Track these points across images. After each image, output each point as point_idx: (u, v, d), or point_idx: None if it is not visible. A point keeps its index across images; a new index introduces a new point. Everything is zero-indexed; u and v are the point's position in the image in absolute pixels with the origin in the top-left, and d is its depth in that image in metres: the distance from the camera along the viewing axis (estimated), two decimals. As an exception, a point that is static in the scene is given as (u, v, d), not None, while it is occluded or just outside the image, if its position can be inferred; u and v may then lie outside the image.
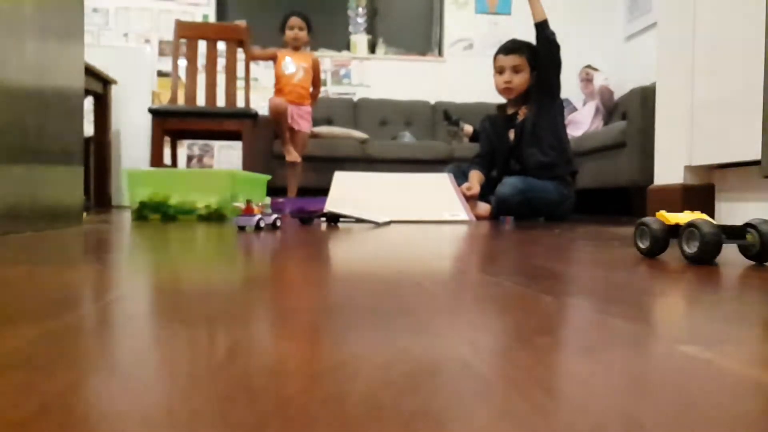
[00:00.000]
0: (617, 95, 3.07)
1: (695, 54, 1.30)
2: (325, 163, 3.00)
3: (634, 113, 2.38)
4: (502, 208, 1.95)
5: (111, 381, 0.20)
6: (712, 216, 1.31)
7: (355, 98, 3.77)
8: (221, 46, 2.45)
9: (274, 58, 2.70)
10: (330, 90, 3.86)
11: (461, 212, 1.75)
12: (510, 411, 0.17)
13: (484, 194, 2.05)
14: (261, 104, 2.94)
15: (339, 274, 0.49)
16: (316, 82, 2.77)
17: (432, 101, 3.74)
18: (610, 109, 3.10)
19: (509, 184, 1.95)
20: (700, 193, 1.31)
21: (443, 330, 0.28)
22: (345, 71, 3.95)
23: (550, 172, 2.02)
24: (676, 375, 0.21)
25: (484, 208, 2.00)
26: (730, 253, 0.74)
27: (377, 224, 1.41)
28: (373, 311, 0.33)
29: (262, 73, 3.62)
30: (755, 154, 1.01)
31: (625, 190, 2.52)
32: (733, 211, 1.26)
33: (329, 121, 3.50)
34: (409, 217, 1.63)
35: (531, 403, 0.18)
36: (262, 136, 2.87)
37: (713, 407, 0.18)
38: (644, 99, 2.30)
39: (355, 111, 3.67)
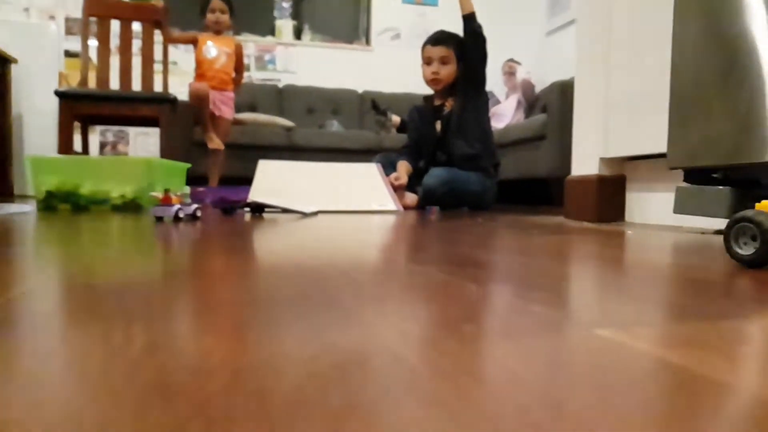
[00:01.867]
0: (538, 89, 3.17)
1: (611, 51, 1.36)
2: (249, 151, 2.93)
3: (553, 107, 2.48)
4: (428, 198, 1.98)
5: (9, 386, 0.18)
6: (622, 206, 1.39)
7: (281, 85, 3.70)
8: (136, 26, 2.32)
9: (194, 42, 2.59)
10: (254, 76, 3.76)
11: (389, 202, 1.76)
12: (438, 400, 0.17)
13: (412, 184, 2.07)
14: (180, 89, 2.82)
15: (264, 266, 0.48)
16: (239, 67, 2.69)
17: (360, 90, 3.73)
18: (532, 102, 3.20)
19: (435, 175, 1.98)
20: (613, 183, 1.38)
21: (371, 320, 0.28)
22: (269, 57, 3.86)
23: (475, 164, 2.07)
24: (593, 357, 0.22)
25: (411, 198, 2.03)
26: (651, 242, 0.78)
27: (304, 214, 1.39)
28: (300, 303, 0.32)
29: (182, 56, 3.48)
30: (663, 147, 1.08)
31: (545, 181, 2.62)
32: (641, 201, 1.34)
33: (253, 108, 3.41)
34: (336, 207, 1.62)
35: (458, 390, 0.18)
36: (182, 123, 2.76)
37: (627, 387, 0.19)
38: (563, 93, 2.39)
39: (280, 98, 3.60)
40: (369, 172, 1.97)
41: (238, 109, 2.91)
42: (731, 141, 0.92)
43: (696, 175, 1.06)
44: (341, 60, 3.95)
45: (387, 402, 0.17)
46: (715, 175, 1.04)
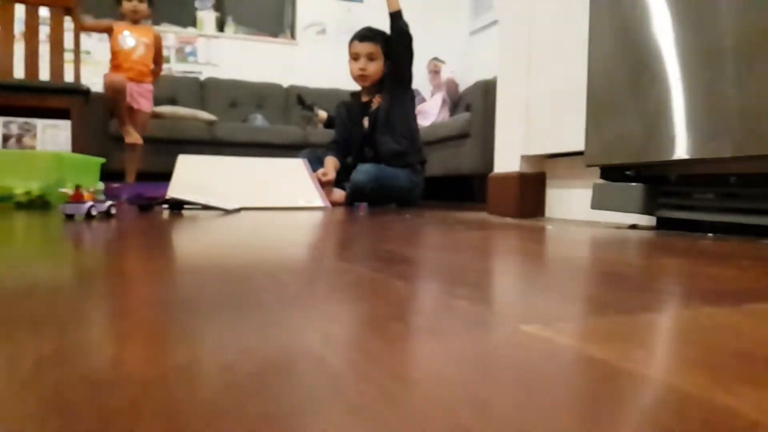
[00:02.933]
0: (462, 87, 3.24)
1: (532, 51, 1.41)
2: (169, 146, 2.81)
3: (477, 105, 2.54)
4: (356, 195, 1.98)
5: None
6: (542, 202, 1.44)
7: (202, 77, 3.57)
8: (44, 12, 2.17)
9: (109, 31, 2.45)
10: (174, 68, 3.62)
11: (316, 199, 1.74)
12: (362, 405, 0.17)
13: (340, 181, 2.05)
14: (94, 80, 2.67)
15: (182, 266, 0.45)
16: (158, 59, 2.58)
17: (285, 84, 3.67)
18: (456, 100, 3.27)
19: (363, 171, 1.97)
20: (534, 180, 1.43)
21: (295, 323, 0.27)
22: (191, 49, 3.72)
23: (402, 160, 2.08)
24: (520, 354, 0.22)
25: (339, 194, 2.01)
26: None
27: (226, 211, 1.35)
28: (219, 307, 0.30)
29: (96, 46, 3.29)
30: (581, 145, 1.12)
31: (469, 178, 2.68)
32: (561, 197, 1.40)
33: (173, 101, 3.27)
34: (261, 204, 1.58)
35: (383, 395, 0.18)
36: (96, 115, 2.61)
37: (553, 384, 0.19)
38: (486, 92, 2.45)
39: (202, 91, 3.48)
40: (295, 167, 1.94)
41: (158, 101, 2.79)
42: (642, 140, 0.97)
43: (611, 173, 1.11)
44: (266, 54, 3.86)
45: (308, 410, 0.16)
46: (628, 173, 1.09)
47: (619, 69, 1.02)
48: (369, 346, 0.23)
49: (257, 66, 3.78)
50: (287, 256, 0.52)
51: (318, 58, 3.90)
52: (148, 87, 2.53)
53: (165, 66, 2.96)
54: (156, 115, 2.79)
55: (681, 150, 0.89)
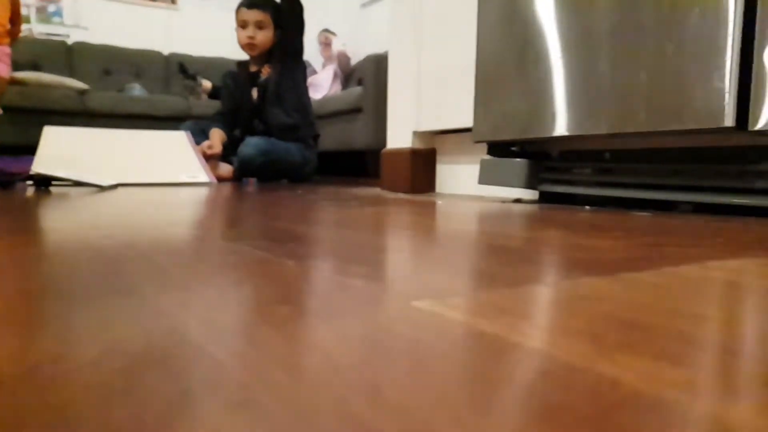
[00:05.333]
0: (354, 61, 3.22)
1: (423, 27, 1.42)
2: (33, 116, 2.55)
3: (369, 80, 2.53)
4: (245, 170, 1.91)
5: None
6: (433, 178, 1.47)
7: (69, 41, 3.26)
8: None
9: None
10: (35, 29, 3.27)
11: (201, 174, 1.66)
12: (245, 400, 0.15)
13: (227, 154, 1.97)
14: (-63, 38, 2.35)
15: (48, 249, 0.41)
16: (15, 18, 2.31)
17: (165, 52, 3.44)
18: (348, 74, 3.24)
19: (252, 145, 1.91)
20: (425, 156, 1.46)
21: (173, 310, 0.24)
22: (54, 8, 3.37)
23: (294, 134, 2.03)
24: (411, 332, 0.21)
25: (226, 169, 1.93)
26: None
27: (101, 188, 1.24)
28: (87, 294, 0.27)
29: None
30: (469, 121, 1.15)
31: (363, 153, 2.69)
32: (450, 173, 1.44)
33: (36, 67, 2.97)
34: (140, 180, 1.48)
35: (269, 387, 0.16)
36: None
37: (444, 363, 0.18)
38: (378, 66, 2.45)
39: (69, 56, 3.18)
40: (177, 140, 1.83)
41: (17, 66, 2.51)
42: (526, 117, 1.01)
43: (498, 149, 1.16)
44: (143, 18, 3.60)
45: (185, 408, 0.15)
46: (513, 149, 1.14)
47: (506, 47, 1.05)
48: (254, 333, 0.21)
49: (134, 31, 3.51)
50: (166, 237, 0.48)
51: (201, 25, 3.69)
52: (5, 50, 2.27)
53: (24, 26, 2.66)
54: (15, 82, 2.51)
55: (561, 127, 0.94)
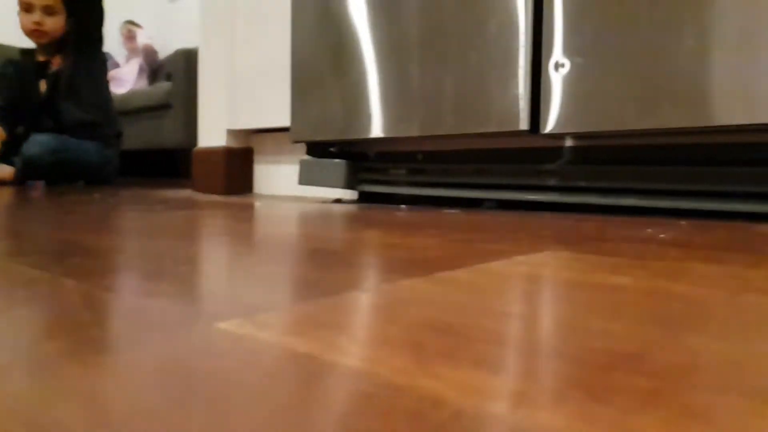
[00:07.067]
0: (162, 55, 3.00)
1: (237, 24, 1.35)
2: None
3: (178, 75, 2.37)
4: (29, 171, 1.67)
5: None
6: (250, 178, 1.41)
7: None
8: None
9: None
10: None
11: (-28, 176, 1.41)
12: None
13: (7, 155, 1.71)
14: None
15: None
16: None
17: None
18: (155, 68, 3.01)
19: (39, 143, 1.67)
20: (241, 155, 1.39)
21: None
22: None
23: (92, 132, 1.83)
24: (211, 364, 0.18)
25: (6, 170, 1.67)
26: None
27: None
28: None
29: None
30: (287, 121, 1.12)
31: (172, 152, 2.51)
32: (269, 173, 1.39)
33: None
34: None
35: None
36: None
37: (253, 396, 0.16)
38: (188, 61, 2.31)
39: None
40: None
41: None
42: (343, 118, 1.01)
43: (317, 149, 1.15)
44: None
45: None
46: (332, 149, 1.14)
47: (321, 49, 1.04)
48: (8, 380, 0.16)
49: None
50: None
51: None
52: None
53: None
54: None
55: (377, 129, 0.96)
